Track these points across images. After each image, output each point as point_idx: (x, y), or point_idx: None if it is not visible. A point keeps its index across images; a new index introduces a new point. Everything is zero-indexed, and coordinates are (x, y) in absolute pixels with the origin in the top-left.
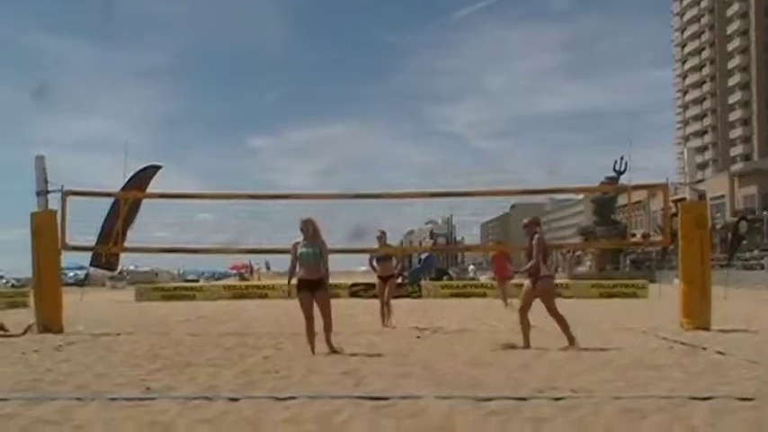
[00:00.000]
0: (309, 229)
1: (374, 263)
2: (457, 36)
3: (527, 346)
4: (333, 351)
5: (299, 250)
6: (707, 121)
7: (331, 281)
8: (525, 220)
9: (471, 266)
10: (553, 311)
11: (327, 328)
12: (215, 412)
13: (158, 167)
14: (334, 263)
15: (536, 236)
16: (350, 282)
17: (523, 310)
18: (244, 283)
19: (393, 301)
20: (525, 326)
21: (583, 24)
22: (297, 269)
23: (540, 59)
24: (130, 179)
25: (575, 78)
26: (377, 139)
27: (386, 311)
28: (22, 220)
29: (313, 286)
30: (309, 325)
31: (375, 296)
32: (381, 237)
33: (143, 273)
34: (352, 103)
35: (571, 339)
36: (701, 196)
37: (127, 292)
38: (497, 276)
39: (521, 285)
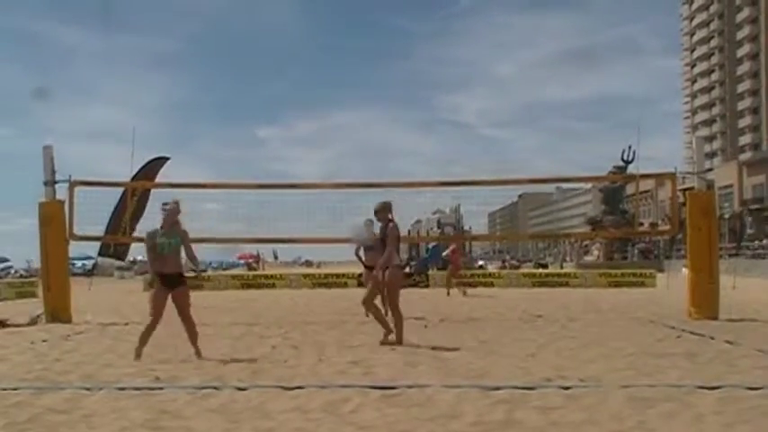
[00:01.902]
0: (169, 216)
1: (360, 253)
2: (465, 23)
3: (388, 331)
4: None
5: (157, 240)
6: (715, 111)
7: (339, 270)
8: (377, 207)
9: (481, 262)
10: (393, 305)
11: (191, 334)
12: (223, 401)
13: (166, 159)
14: (343, 253)
15: (390, 224)
16: (357, 272)
17: (369, 301)
18: (251, 273)
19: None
20: (379, 314)
21: (591, 12)
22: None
23: (549, 47)
24: (139, 171)
25: (583, 66)
26: (385, 128)
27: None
28: (30, 210)
29: (171, 282)
30: (153, 325)
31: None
32: (370, 225)
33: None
34: (359, 92)
35: (399, 338)
36: (710, 186)
37: (135, 282)
38: (454, 267)
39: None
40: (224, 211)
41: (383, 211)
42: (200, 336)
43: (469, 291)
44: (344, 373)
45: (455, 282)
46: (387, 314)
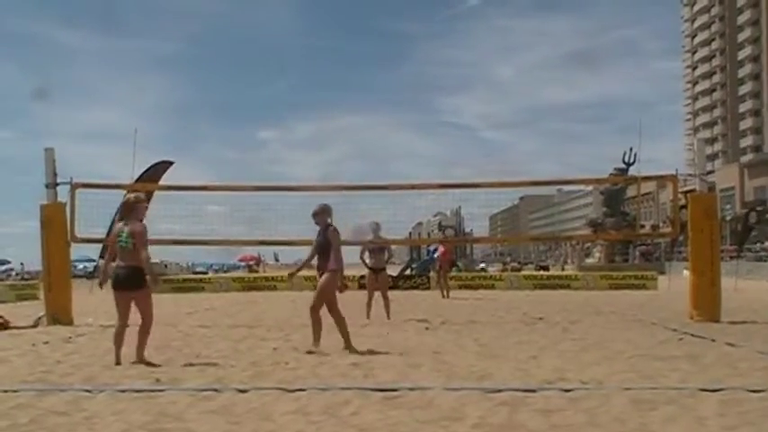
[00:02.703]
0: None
1: (364, 255)
2: (466, 26)
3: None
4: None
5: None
6: (717, 113)
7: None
8: (315, 209)
9: (483, 264)
10: (314, 309)
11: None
12: (224, 403)
13: (170, 163)
14: (343, 256)
15: (330, 228)
16: (358, 274)
17: (322, 309)
18: (252, 275)
19: (390, 293)
20: (319, 324)
21: (592, 14)
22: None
23: (550, 50)
24: (143, 174)
25: (583, 69)
26: (385, 130)
27: (379, 304)
28: (32, 212)
29: None
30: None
31: (377, 288)
32: (376, 228)
33: (152, 265)
34: (360, 94)
35: (316, 340)
36: (711, 188)
37: None
38: (445, 269)
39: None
40: (226, 213)
41: (322, 213)
42: (201, 337)
43: (475, 294)
44: (345, 376)
45: (442, 282)
46: (389, 317)
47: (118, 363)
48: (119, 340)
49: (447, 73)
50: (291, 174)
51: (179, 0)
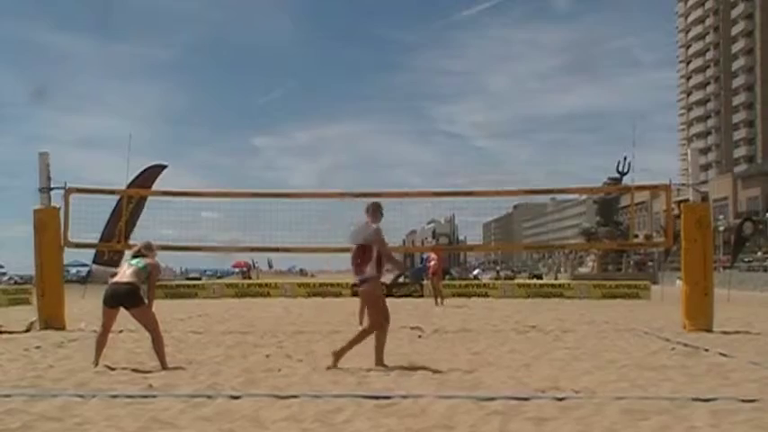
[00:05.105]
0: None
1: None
2: (461, 36)
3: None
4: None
5: None
6: (710, 123)
7: (334, 279)
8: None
9: (477, 270)
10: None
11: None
12: (216, 410)
13: (164, 167)
14: (338, 263)
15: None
16: (352, 281)
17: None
18: (246, 282)
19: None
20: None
21: (587, 25)
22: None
23: (544, 60)
24: (135, 178)
25: (578, 79)
26: (380, 138)
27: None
28: (25, 216)
29: None
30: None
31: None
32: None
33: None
34: (355, 103)
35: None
36: (704, 198)
37: None
38: (438, 276)
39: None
40: (219, 219)
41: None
42: (195, 344)
43: (468, 301)
44: (338, 383)
45: (439, 289)
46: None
47: (96, 364)
48: (100, 345)
49: (442, 82)
50: (286, 181)
51: (176, 7)
